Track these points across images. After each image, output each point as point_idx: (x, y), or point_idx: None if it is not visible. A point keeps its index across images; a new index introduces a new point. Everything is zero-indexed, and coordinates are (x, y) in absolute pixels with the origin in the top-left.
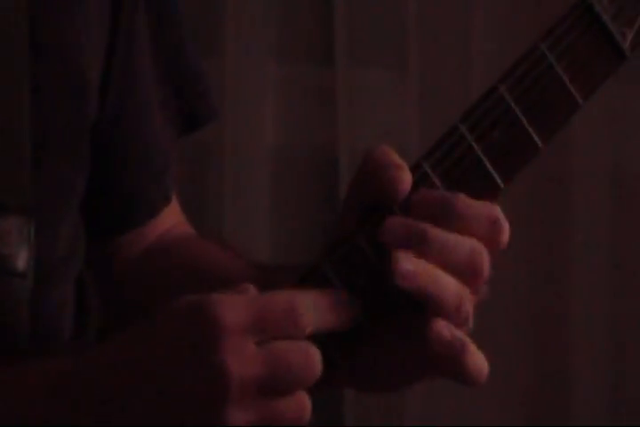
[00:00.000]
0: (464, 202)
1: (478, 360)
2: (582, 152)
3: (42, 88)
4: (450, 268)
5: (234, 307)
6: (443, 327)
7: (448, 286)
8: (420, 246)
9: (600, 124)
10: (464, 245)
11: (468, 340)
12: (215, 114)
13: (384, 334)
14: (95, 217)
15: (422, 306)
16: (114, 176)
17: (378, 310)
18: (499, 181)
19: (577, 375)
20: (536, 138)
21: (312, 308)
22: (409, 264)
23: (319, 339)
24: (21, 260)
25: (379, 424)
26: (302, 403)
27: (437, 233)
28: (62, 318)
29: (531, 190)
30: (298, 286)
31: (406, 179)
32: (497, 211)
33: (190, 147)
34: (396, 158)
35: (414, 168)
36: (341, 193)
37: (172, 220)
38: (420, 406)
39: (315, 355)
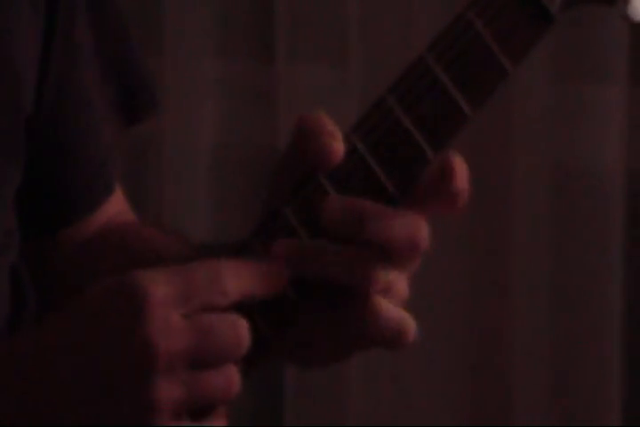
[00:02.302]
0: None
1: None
2: (524, 150)
3: None
4: (387, 246)
5: (157, 279)
6: (387, 307)
7: (379, 276)
8: (356, 229)
9: (541, 121)
10: (402, 222)
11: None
12: (156, 105)
13: (312, 307)
14: (37, 212)
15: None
16: (54, 169)
17: (306, 284)
18: (428, 152)
19: (518, 376)
20: (465, 107)
21: (236, 274)
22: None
23: (247, 313)
24: None
25: (319, 422)
26: (231, 376)
27: (375, 212)
28: None
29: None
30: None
31: (338, 148)
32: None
33: (130, 145)
34: (329, 126)
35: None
36: None
37: (114, 210)
38: (362, 403)
39: (242, 326)
